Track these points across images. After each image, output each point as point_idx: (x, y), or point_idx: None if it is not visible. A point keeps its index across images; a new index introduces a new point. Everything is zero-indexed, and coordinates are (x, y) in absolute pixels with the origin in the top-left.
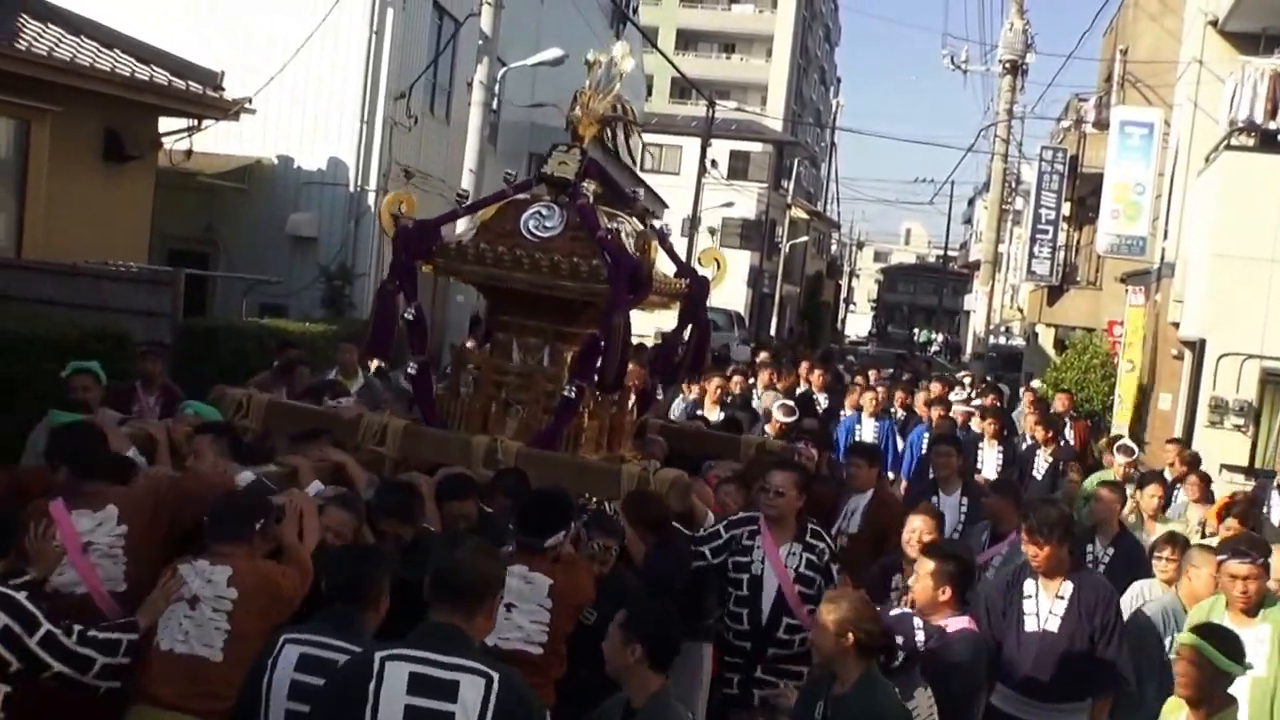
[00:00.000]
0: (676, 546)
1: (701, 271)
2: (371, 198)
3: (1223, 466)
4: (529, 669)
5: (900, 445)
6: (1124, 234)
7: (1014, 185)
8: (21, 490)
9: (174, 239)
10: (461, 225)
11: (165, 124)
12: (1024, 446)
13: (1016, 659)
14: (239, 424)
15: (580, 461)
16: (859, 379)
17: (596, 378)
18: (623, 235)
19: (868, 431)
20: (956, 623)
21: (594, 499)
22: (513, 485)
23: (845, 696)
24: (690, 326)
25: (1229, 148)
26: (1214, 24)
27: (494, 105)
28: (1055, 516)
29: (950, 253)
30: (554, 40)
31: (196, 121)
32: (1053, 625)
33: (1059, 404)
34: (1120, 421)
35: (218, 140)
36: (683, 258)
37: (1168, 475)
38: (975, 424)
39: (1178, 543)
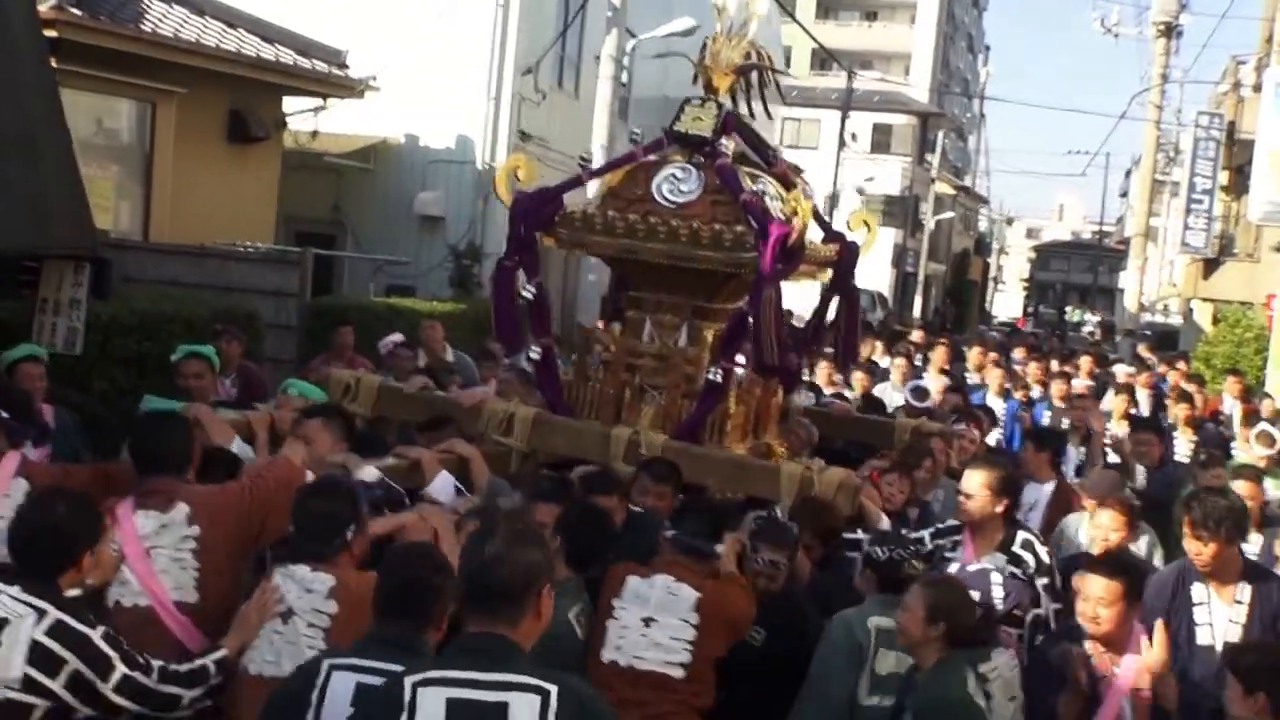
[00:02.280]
0: (844, 564)
1: (851, 237)
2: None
3: None
4: (667, 694)
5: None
6: (1278, 201)
7: (1172, 155)
8: (113, 485)
9: (300, 220)
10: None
11: (290, 104)
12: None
13: (1187, 678)
14: (348, 408)
15: (735, 459)
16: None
17: (752, 359)
18: (767, 198)
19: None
20: (1139, 632)
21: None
22: (664, 477)
23: (919, 678)
24: (838, 298)
25: None
26: None
27: (624, 79)
28: (1223, 509)
29: (1106, 228)
30: (687, 9)
31: (321, 101)
32: (1234, 636)
33: (1231, 389)
34: (1275, 395)
35: (343, 119)
36: None
37: None
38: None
39: None
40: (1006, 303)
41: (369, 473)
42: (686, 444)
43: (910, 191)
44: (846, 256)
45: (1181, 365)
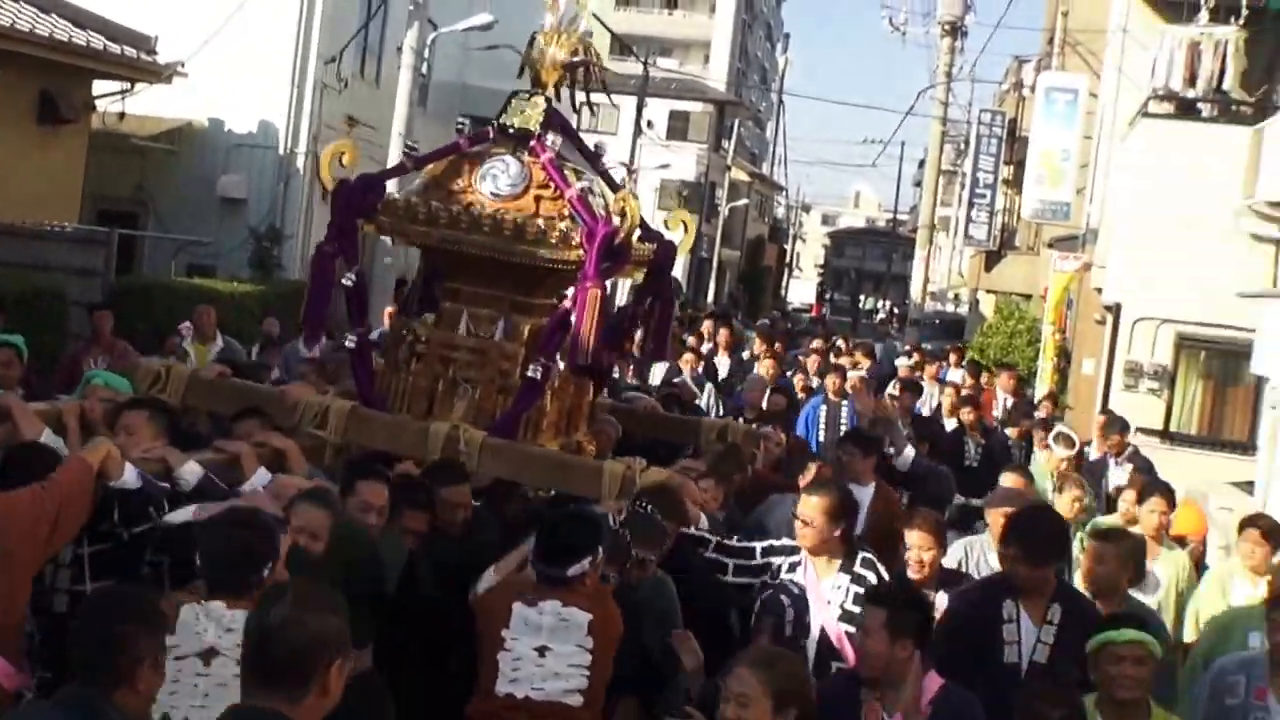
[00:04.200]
0: (689, 557)
1: (669, 236)
2: (301, 160)
3: (1138, 430)
4: None
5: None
6: (1049, 199)
7: (962, 148)
8: None
9: (104, 199)
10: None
11: (99, 87)
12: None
13: (988, 699)
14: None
15: (557, 457)
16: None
17: (569, 358)
18: (591, 196)
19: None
20: (930, 685)
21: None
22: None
23: None
24: (653, 298)
25: (1147, 115)
26: None
27: (423, 69)
28: (1046, 528)
29: (901, 216)
30: (486, 2)
31: (129, 85)
32: (1042, 656)
33: (1005, 385)
34: (1043, 386)
35: (150, 102)
36: None
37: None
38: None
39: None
40: (803, 289)
41: (191, 469)
42: (506, 441)
43: (706, 178)
44: (663, 256)
45: (953, 357)
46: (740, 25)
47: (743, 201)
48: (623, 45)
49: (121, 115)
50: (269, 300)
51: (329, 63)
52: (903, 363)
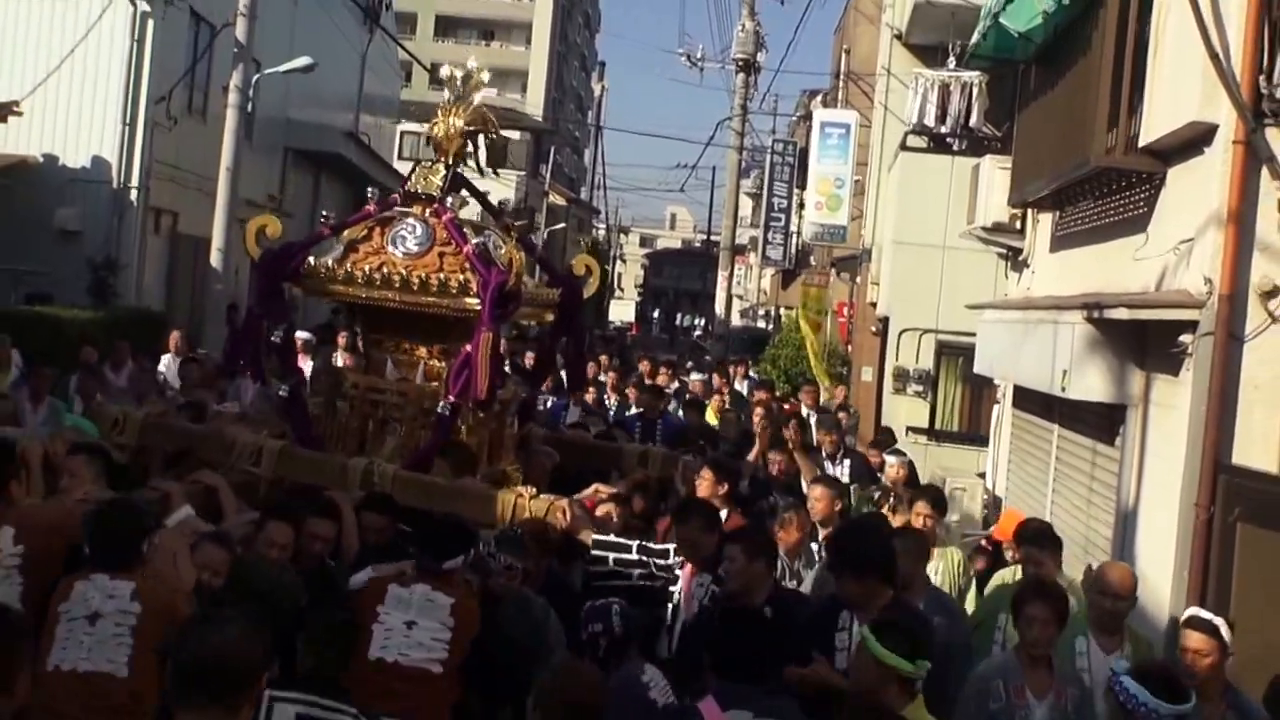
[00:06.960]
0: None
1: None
2: (134, 194)
3: (908, 429)
4: (429, 688)
5: None
6: (826, 223)
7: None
8: None
9: None
10: None
11: None
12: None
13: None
14: (115, 440)
15: (454, 486)
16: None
17: (472, 394)
18: (490, 248)
19: (572, 419)
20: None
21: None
22: (382, 507)
23: None
24: (565, 336)
25: (905, 148)
26: (899, 37)
27: (248, 107)
28: (868, 545)
29: (715, 237)
30: (307, 39)
31: None
32: None
33: (806, 398)
34: (826, 398)
35: None
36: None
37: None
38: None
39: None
40: (621, 309)
41: None
42: (413, 473)
43: (525, 204)
44: (570, 298)
45: (739, 369)
46: (556, 55)
47: (561, 225)
48: (438, 77)
49: None
50: (113, 326)
51: (159, 102)
52: (695, 377)
